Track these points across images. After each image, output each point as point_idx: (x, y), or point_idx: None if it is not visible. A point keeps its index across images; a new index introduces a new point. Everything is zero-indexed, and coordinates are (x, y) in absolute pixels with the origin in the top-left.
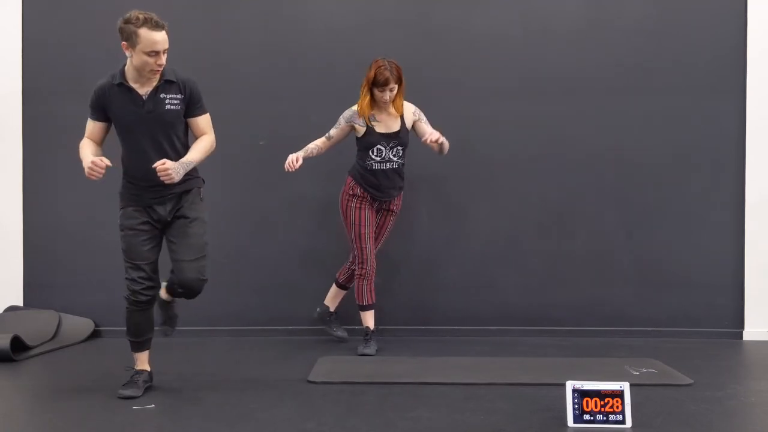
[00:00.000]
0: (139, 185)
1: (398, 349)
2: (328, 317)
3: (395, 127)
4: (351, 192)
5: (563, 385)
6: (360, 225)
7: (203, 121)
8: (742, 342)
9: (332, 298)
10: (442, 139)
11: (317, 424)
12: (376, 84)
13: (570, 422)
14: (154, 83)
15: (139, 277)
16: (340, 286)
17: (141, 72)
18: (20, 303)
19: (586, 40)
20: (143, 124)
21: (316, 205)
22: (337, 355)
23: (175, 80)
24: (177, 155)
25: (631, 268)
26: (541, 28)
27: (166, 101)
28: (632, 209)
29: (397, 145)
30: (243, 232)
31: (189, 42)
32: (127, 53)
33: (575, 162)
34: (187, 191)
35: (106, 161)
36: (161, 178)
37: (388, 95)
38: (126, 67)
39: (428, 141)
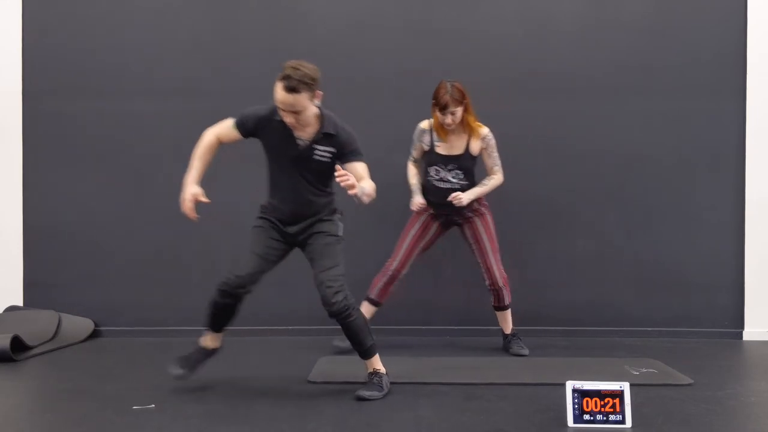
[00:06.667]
0: (279, 210)
1: (398, 349)
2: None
3: (458, 150)
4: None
5: (563, 385)
6: (410, 224)
7: (359, 168)
8: (742, 342)
9: (504, 322)
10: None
11: (317, 424)
12: (438, 107)
13: (570, 422)
14: (315, 130)
15: None
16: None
17: None
18: (20, 303)
19: (586, 40)
20: (293, 164)
21: None
22: (338, 355)
23: (333, 133)
24: (320, 191)
25: (631, 268)
26: (541, 27)
27: (316, 152)
28: (632, 209)
29: (456, 168)
30: (243, 231)
31: (188, 40)
32: None
33: (575, 162)
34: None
35: (204, 198)
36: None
37: (449, 118)
38: None
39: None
